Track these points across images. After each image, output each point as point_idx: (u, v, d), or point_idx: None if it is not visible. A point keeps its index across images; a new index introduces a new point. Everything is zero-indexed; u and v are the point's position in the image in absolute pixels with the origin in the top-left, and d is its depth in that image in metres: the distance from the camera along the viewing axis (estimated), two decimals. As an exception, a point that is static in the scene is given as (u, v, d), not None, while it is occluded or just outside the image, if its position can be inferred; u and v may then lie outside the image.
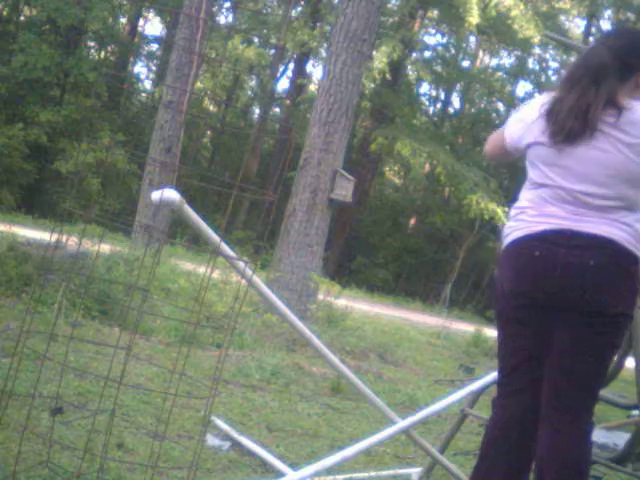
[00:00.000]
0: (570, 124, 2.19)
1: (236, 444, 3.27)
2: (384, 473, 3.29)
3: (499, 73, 28.72)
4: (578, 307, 2.21)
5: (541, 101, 2.34)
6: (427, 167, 25.70)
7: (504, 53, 28.21)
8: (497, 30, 23.31)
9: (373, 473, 3.26)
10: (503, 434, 2.35)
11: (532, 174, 2.32)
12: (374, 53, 19.59)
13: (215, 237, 2.31)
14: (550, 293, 2.23)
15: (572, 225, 2.20)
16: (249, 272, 2.39)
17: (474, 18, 20.15)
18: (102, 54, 26.51)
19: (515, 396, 2.35)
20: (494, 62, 29.66)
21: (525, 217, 2.29)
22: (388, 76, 20.53)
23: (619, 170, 2.17)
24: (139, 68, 31.12)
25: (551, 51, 27.44)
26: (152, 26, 45.67)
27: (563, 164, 2.23)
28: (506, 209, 20.73)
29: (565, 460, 2.24)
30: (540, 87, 27.36)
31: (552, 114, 2.24)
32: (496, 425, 2.39)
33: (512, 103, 28.22)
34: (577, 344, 2.24)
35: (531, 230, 2.25)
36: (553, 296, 2.23)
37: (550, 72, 27.50)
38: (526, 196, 2.34)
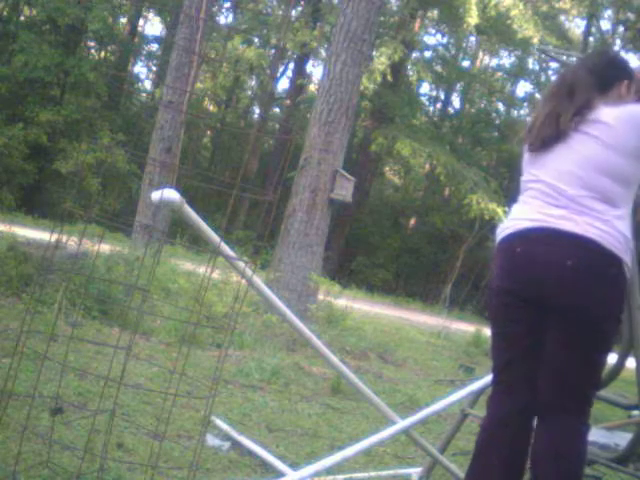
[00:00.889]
0: (544, 132, 2.36)
1: (236, 444, 3.27)
2: (384, 473, 3.29)
3: (499, 73, 28.74)
4: (563, 308, 2.23)
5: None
6: (427, 167, 25.73)
7: (504, 53, 28.23)
8: (497, 30, 23.33)
9: (373, 473, 3.26)
10: (498, 431, 2.36)
11: (522, 178, 2.45)
12: (374, 54, 19.60)
13: (215, 237, 2.31)
14: (534, 290, 2.26)
15: (554, 223, 2.25)
16: (249, 272, 2.39)
17: (473, 19, 20.18)
18: (102, 54, 26.52)
19: (510, 393, 2.37)
20: (494, 62, 29.69)
21: (513, 216, 2.39)
22: (390, 77, 20.53)
23: (593, 162, 2.27)
24: (139, 68, 31.13)
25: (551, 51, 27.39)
26: (152, 26, 45.72)
27: (544, 163, 2.36)
28: (506, 209, 20.74)
29: (557, 460, 2.25)
30: (540, 87, 27.38)
31: (531, 127, 2.43)
32: (491, 422, 2.40)
33: (512, 103, 28.28)
34: (567, 345, 2.26)
35: (516, 228, 2.33)
36: (537, 293, 2.26)
37: (550, 72, 27.51)
38: (518, 199, 2.44)
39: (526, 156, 2.44)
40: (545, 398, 2.30)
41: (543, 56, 25.59)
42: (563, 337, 2.25)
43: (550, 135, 2.34)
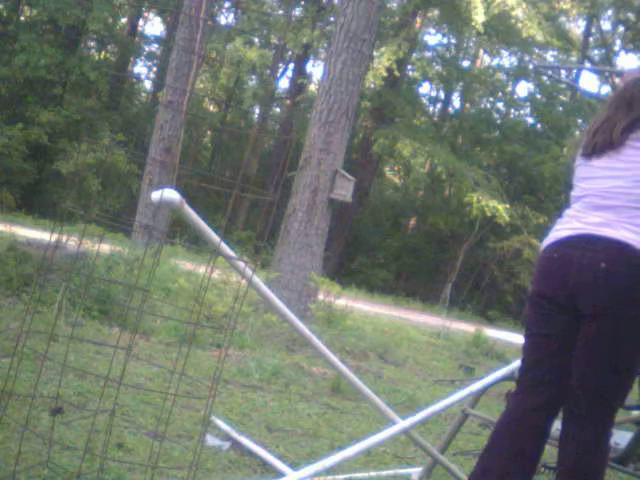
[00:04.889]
0: (597, 139, 2.40)
1: (236, 444, 3.27)
2: (384, 473, 3.29)
3: (499, 73, 28.71)
4: (596, 310, 2.25)
5: None
6: (427, 167, 25.71)
7: (505, 53, 28.21)
8: (499, 30, 23.29)
9: (373, 473, 3.26)
10: (514, 427, 2.39)
11: (572, 193, 2.49)
12: (375, 53, 19.59)
13: (215, 237, 2.31)
14: (567, 294, 2.30)
15: (593, 229, 2.29)
16: (249, 272, 2.39)
17: (480, 17, 20.07)
18: (102, 54, 26.52)
19: (531, 393, 2.39)
20: (495, 62, 29.66)
21: (557, 227, 2.44)
22: (397, 73, 20.47)
23: None
24: (139, 68, 31.12)
25: (552, 51, 27.42)
26: (152, 26, 45.72)
27: (591, 174, 2.40)
28: (507, 206, 20.76)
29: (575, 467, 2.30)
30: (541, 87, 27.36)
31: (587, 133, 2.48)
32: (508, 417, 2.42)
33: (512, 103, 28.27)
34: (597, 349, 2.28)
35: (557, 237, 2.39)
36: (571, 298, 2.29)
37: (550, 72, 27.41)
38: (564, 212, 2.49)
39: (578, 169, 2.47)
40: (572, 403, 2.33)
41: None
42: (594, 341, 2.28)
43: (602, 143, 2.38)
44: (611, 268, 2.22)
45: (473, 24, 20.53)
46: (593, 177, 2.39)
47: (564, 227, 2.39)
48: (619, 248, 2.23)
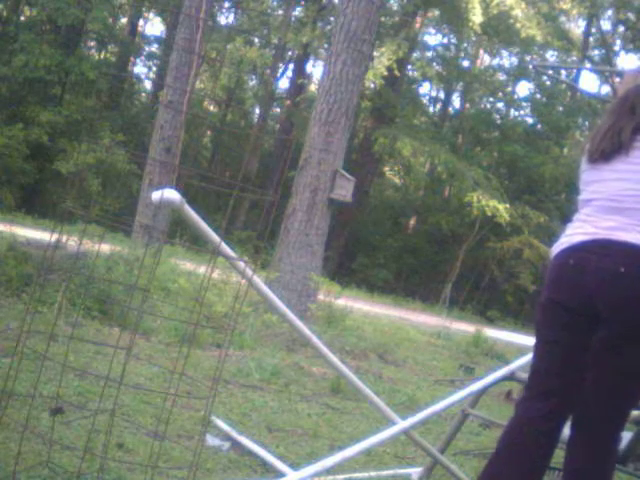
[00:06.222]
0: (603, 145, 2.38)
1: (236, 444, 3.27)
2: (384, 473, 3.29)
3: (499, 73, 28.72)
4: (613, 315, 2.23)
5: None
6: (427, 167, 25.71)
7: (505, 53, 28.23)
8: (498, 30, 23.31)
9: (373, 473, 3.26)
10: (521, 434, 2.36)
11: (580, 197, 2.46)
12: (375, 54, 19.60)
13: (215, 237, 2.31)
14: (584, 300, 2.27)
15: (607, 234, 2.27)
16: (249, 272, 2.39)
17: (477, 17, 20.11)
18: (102, 54, 26.52)
19: (540, 399, 2.36)
20: (495, 62, 29.67)
21: (568, 232, 2.41)
22: (397, 73, 20.47)
23: None
24: (139, 68, 31.13)
25: (552, 51, 27.43)
26: (152, 26, 45.68)
27: (600, 178, 2.38)
28: (507, 206, 20.77)
29: (581, 470, 2.29)
30: (541, 88, 27.37)
31: (593, 139, 2.46)
32: (516, 425, 2.40)
33: (512, 103, 28.27)
34: (612, 357, 2.26)
35: (570, 243, 2.36)
36: (587, 303, 2.26)
37: (550, 71, 27.41)
38: (574, 217, 2.46)
39: (584, 174, 2.45)
40: (582, 407, 2.32)
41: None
42: (610, 345, 2.25)
43: (610, 148, 2.36)
44: (630, 272, 2.19)
45: (470, 25, 20.58)
46: (601, 180, 2.37)
47: (576, 232, 2.35)
48: (636, 252, 2.21)
